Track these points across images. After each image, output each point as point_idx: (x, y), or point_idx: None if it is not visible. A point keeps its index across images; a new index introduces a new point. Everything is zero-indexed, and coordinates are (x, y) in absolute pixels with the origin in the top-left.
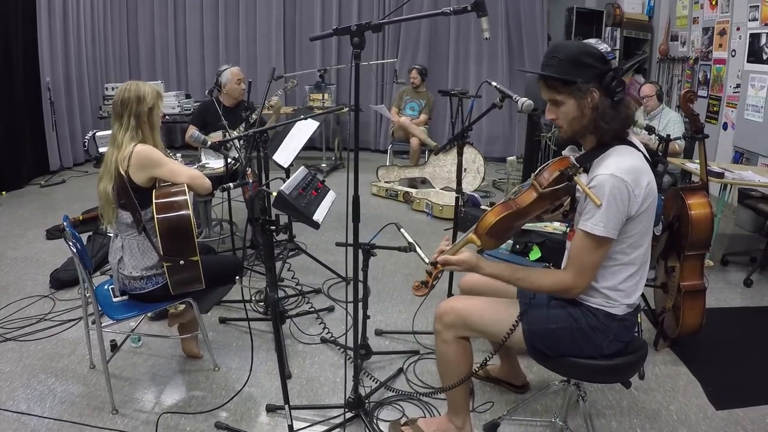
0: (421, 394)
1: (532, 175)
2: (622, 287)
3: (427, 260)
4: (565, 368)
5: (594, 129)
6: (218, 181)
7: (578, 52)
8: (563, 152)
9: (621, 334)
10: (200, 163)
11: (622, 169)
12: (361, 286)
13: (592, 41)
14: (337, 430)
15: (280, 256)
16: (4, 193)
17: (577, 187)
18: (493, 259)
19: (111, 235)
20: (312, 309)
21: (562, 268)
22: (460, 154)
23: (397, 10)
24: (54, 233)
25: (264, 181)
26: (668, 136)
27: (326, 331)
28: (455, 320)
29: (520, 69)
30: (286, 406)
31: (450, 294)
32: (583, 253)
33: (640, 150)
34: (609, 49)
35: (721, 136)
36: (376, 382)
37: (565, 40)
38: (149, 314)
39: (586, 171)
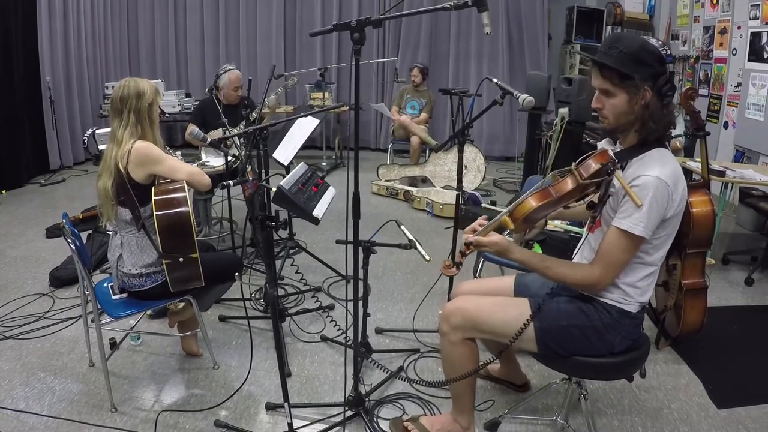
0: (425, 382)
1: (573, 164)
2: (639, 284)
3: (427, 257)
4: (575, 368)
5: (640, 127)
6: (219, 179)
7: (640, 49)
8: (599, 144)
9: (631, 331)
10: (200, 161)
11: (666, 173)
12: (361, 284)
13: (653, 41)
14: (337, 428)
15: (281, 254)
16: (4, 191)
17: (614, 182)
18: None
19: (110, 232)
20: (318, 306)
21: (579, 260)
22: (460, 152)
23: (397, 5)
24: (54, 232)
25: (264, 177)
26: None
27: (334, 324)
28: (463, 321)
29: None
30: (286, 404)
31: (449, 295)
32: (616, 251)
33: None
34: (669, 52)
35: (722, 135)
36: (383, 370)
37: (629, 33)
38: (148, 312)
39: (622, 168)
